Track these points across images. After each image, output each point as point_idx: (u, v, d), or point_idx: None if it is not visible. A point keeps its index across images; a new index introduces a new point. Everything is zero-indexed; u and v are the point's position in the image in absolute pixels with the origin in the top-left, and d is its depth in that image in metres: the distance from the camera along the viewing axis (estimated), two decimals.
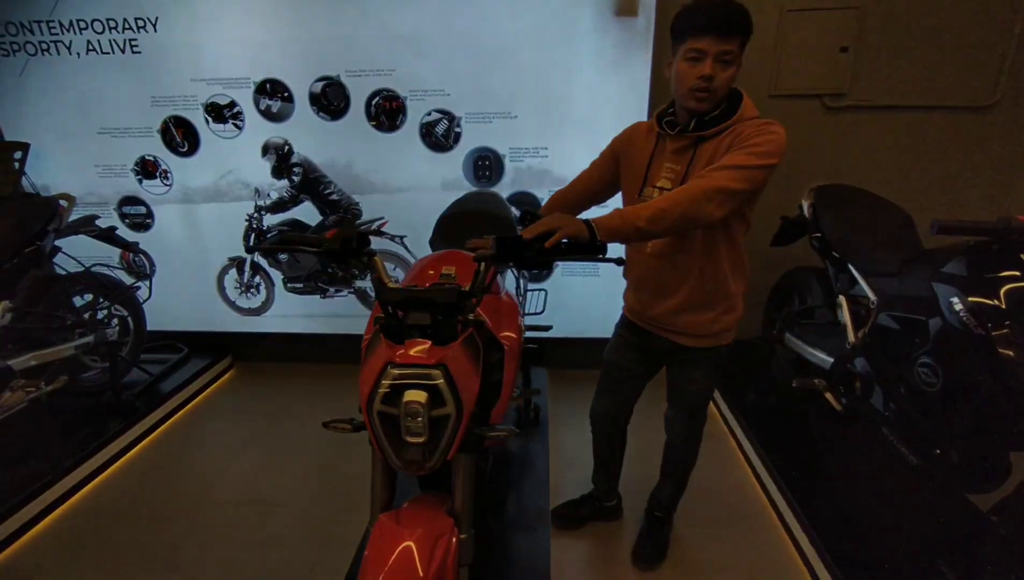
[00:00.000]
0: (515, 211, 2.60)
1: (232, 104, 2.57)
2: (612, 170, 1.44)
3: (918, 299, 1.46)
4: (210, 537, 1.86)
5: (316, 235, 1.12)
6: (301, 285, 2.81)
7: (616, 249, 1.19)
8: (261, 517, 1.94)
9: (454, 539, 0.99)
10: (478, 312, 1.17)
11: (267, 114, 2.57)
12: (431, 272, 1.28)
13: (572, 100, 2.43)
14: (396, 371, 0.94)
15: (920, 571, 1.47)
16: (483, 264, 1.06)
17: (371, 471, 1.08)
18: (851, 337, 1.80)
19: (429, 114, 2.51)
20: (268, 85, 2.52)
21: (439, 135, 2.54)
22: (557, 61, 2.39)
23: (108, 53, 2.55)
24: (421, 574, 0.90)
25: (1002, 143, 2.61)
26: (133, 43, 2.52)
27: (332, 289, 2.82)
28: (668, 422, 1.61)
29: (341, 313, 2.86)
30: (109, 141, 2.68)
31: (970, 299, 1.25)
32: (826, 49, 2.48)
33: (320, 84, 2.50)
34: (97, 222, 2.50)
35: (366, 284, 2.80)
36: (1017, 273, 1.24)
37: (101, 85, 2.59)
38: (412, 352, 0.96)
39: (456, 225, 1.91)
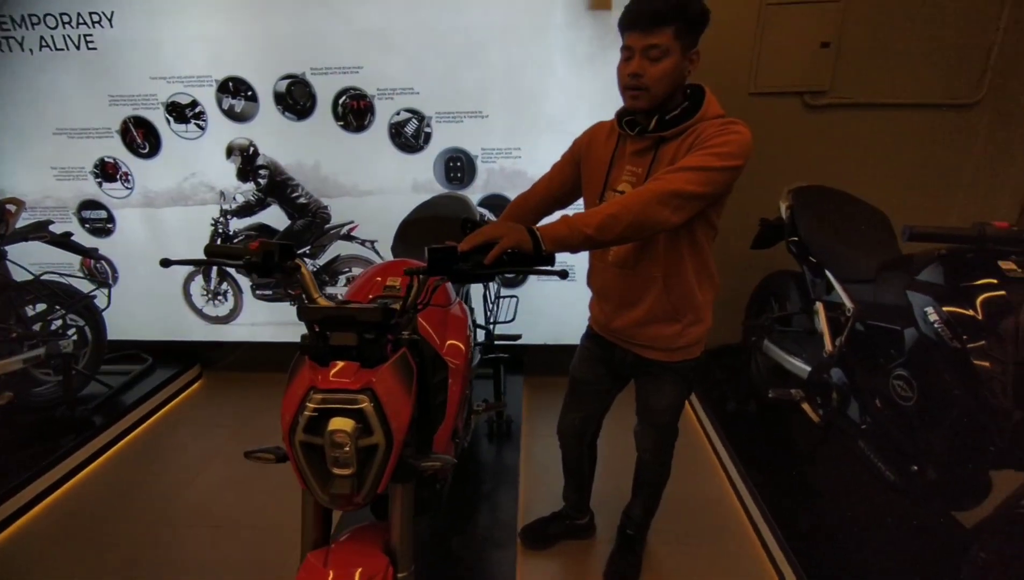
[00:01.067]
0: (488, 215, 2.53)
1: (194, 103, 2.47)
2: (574, 173, 1.36)
3: (893, 308, 1.40)
4: (164, 560, 1.77)
5: (238, 247, 1.04)
6: (270, 292, 2.72)
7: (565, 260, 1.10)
8: (218, 539, 1.85)
9: (389, 578, 0.91)
10: (421, 325, 1.09)
11: (231, 114, 2.47)
12: (376, 283, 1.20)
13: (545, 98, 2.35)
14: (319, 396, 0.86)
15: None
16: (417, 277, 0.98)
17: (300, 505, 0.99)
18: (828, 346, 1.74)
19: (398, 113, 2.42)
20: (231, 83, 2.42)
21: (409, 135, 2.45)
22: (529, 57, 2.30)
23: (62, 49, 2.44)
24: None
25: (986, 142, 2.56)
26: (88, 39, 2.42)
27: None
28: (637, 437, 1.54)
29: None
30: (66, 142, 2.58)
31: (945, 309, 1.19)
32: (807, 45, 2.41)
33: (285, 82, 2.40)
34: (51, 228, 2.39)
35: (337, 290, 2.71)
36: (994, 281, 1.17)
37: (56, 83, 2.48)
38: (335, 375, 0.88)
39: (419, 231, 1.84)
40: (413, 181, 2.51)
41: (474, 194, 2.50)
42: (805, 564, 1.50)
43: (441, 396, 1.11)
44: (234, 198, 2.59)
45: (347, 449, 0.85)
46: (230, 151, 2.51)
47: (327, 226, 2.62)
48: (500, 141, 2.44)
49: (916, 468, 1.33)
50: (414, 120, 2.43)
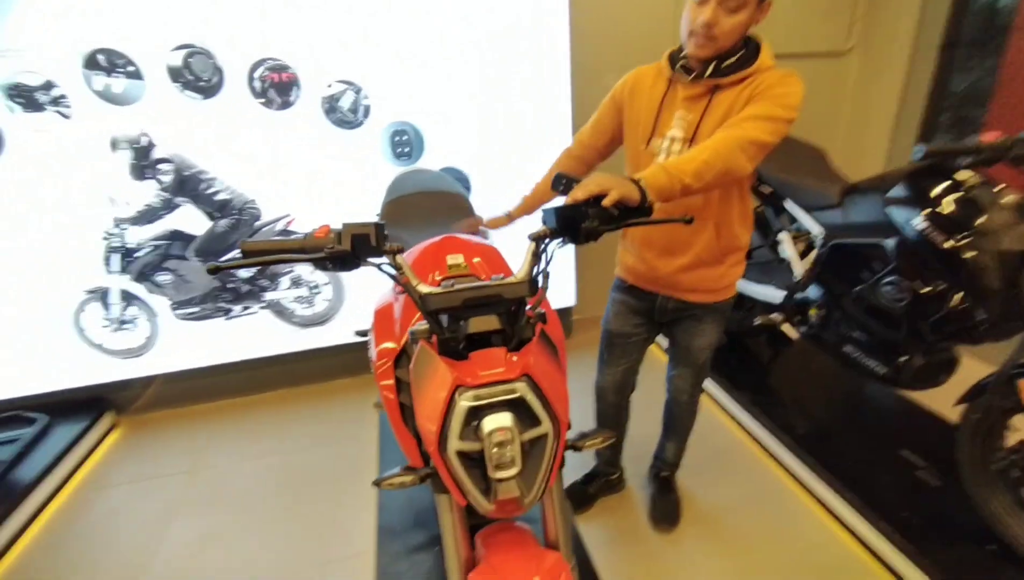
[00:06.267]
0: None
1: (49, 84, 1.92)
2: (615, 123, 1.33)
3: (869, 225, 1.60)
4: None
5: (297, 239, 0.83)
6: (196, 309, 2.29)
7: None
8: None
9: (569, 573, 0.84)
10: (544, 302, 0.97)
11: (106, 96, 1.97)
12: (435, 265, 1.06)
13: (492, 64, 2.23)
14: (471, 394, 0.74)
15: (884, 461, 1.69)
16: (541, 243, 0.88)
17: (442, 529, 0.86)
18: (797, 270, 1.94)
19: (330, 86, 2.13)
20: (102, 57, 1.92)
21: (345, 109, 2.18)
22: (472, 23, 2.15)
23: None
24: None
25: (856, 86, 3.00)
26: None
27: (238, 307, 2.34)
28: (672, 382, 1.59)
29: (253, 334, 2.40)
30: None
31: (929, 215, 1.39)
32: None
33: (180, 53, 1.97)
34: None
35: (280, 295, 2.37)
36: (951, 184, 1.39)
37: None
38: (484, 367, 0.76)
39: (407, 209, 1.65)
40: (353, 160, 2.25)
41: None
42: (815, 466, 1.72)
43: None
44: (127, 202, 2.10)
45: (508, 449, 0.74)
46: (115, 144, 2.01)
47: (257, 223, 2.25)
48: (445, 110, 2.27)
49: (905, 358, 1.58)
50: (350, 92, 2.15)
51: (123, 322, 2.23)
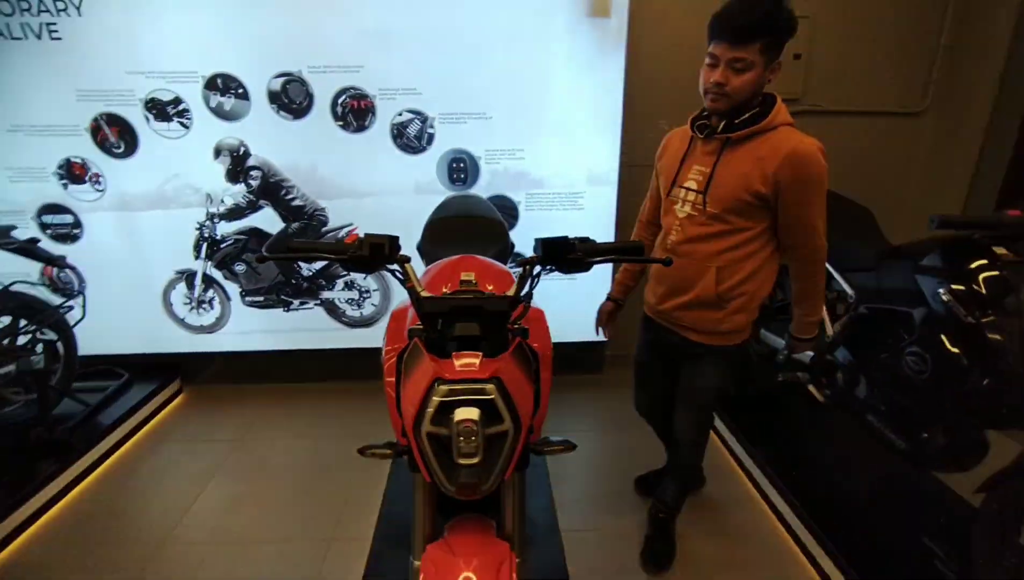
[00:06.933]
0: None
1: (177, 100, 2.32)
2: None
3: (900, 291, 1.56)
4: (177, 578, 1.66)
5: (330, 242, 1.01)
6: (261, 298, 2.60)
7: None
8: (237, 557, 1.75)
9: (513, 564, 0.92)
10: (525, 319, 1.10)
11: (219, 112, 2.34)
12: (450, 278, 1.20)
13: (547, 101, 2.41)
14: (445, 387, 0.86)
15: (904, 547, 1.58)
16: (527, 267, 1.00)
17: (414, 503, 0.98)
18: (829, 330, 1.90)
19: (400, 114, 2.39)
20: (219, 80, 2.30)
21: (411, 136, 2.43)
22: (532, 60, 2.35)
23: (20, 39, 2.22)
24: None
25: (931, 147, 2.87)
26: (51, 28, 2.22)
27: (297, 301, 2.62)
28: (675, 422, 1.61)
29: (306, 327, 2.67)
30: (23, 140, 2.34)
31: (955, 289, 1.35)
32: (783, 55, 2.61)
33: (280, 80, 2.31)
34: (13, 234, 2.17)
35: (335, 295, 2.63)
36: (992, 264, 1.34)
37: (10, 75, 2.25)
38: (461, 366, 0.88)
39: (448, 229, 1.83)
40: (415, 182, 2.49)
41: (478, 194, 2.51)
42: (819, 532, 1.64)
43: (536, 385, 1.13)
44: (222, 201, 2.46)
45: (473, 439, 0.85)
46: (218, 151, 2.38)
47: (324, 229, 2.53)
48: (503, 142, 2.46)
49: (927, 435, 1.50)
50: (417, 121, 2.41)
51: (201, 302, 2.58)
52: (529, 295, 1.00)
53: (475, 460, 0.85)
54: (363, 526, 1.82)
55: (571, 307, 2.69)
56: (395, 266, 1.01)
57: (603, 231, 2.60)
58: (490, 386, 0.86)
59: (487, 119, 2.42)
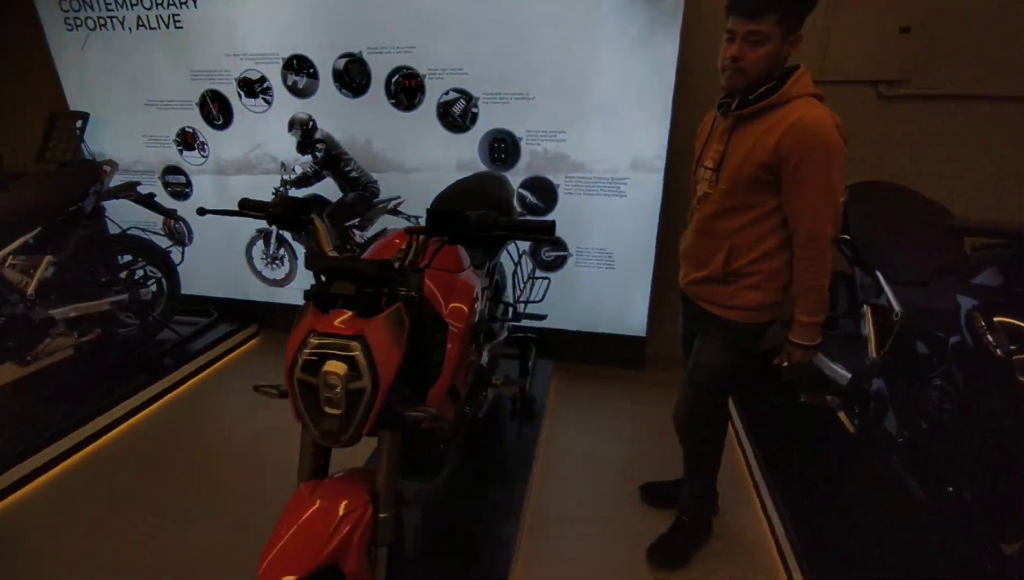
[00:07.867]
0: (529, 196, 2.55)
1: (262, 79, 2.65)
2: None
3: (943, 313, 1.28)
4: (218, 491, 1.98)
5: (264, 202, 1.16)
6: None
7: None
8: (259, 477, 2.04)
9: (367, 516, 0.98)
10: (427, 287, 1.15)
11: (294, 90, 2.63)
12: (393, 245, 1.27)
13: (592, 82, 2.32)
14: (316, 341, 0.94)
15: None
16: (416, 237, 1.03)
17: (300, 443, 1.08)
18: (873, 352, 1.62)
19: (447, 93, 2.47)
20: (295, 61, 2.58)
21: (456, 115, 2.50)
22: (578, 42, 2.28)
23: (155, 28, 2.69)
24: (323, 547, 0.90)
25: None
26: (176, 18, 2.65)
27: None
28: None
29: None
30: (155, 113, 2.86)
31: (993, 315, 1.08)
32: (885, 29, 2.21)
33: (343, 61, 2.52)
34: (138, 189, 2.67)
35: None
36: None
37: (149, 59, 2.75)
38: (335, 322, 0.95)
39: (451, 203, 1.89)
40: (458, 160, 2.57)
41: (516, 176, 2.52)
42: None
43: (439, 355, 1.16)
44: (293, 169, 2.77)
45: (338, 390, 0.92)
46: (291, 125, 2.67)
47: (376, 200, 2.74)
48: (545, 124, 2.43)
49: (951, 489, 1.22)
50: (462, 100, 2.47)
51: (274, 258, 2.95)
52: (418, 266, 1.03)
53: (338, 411, 0.92)
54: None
55: (604, 298, 2.63)
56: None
57: (647, 219, 2.46)
58: (355, 343, 0.91)
59: (530, 100, 2.41)
